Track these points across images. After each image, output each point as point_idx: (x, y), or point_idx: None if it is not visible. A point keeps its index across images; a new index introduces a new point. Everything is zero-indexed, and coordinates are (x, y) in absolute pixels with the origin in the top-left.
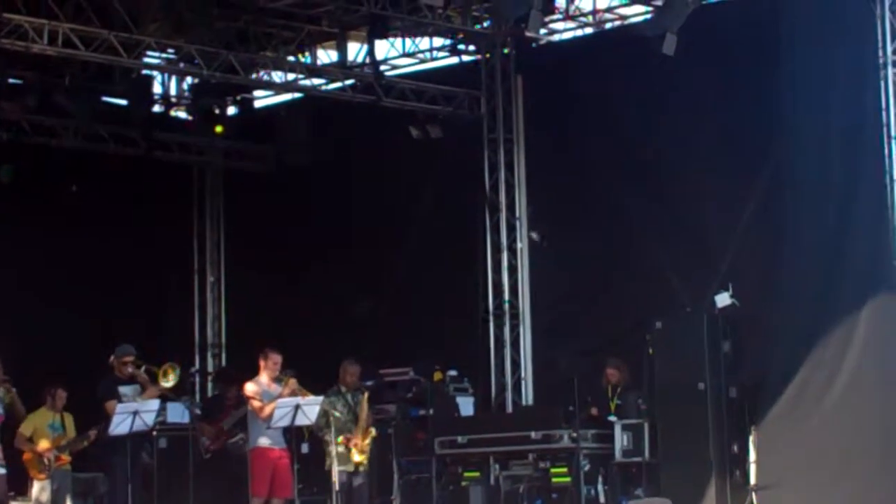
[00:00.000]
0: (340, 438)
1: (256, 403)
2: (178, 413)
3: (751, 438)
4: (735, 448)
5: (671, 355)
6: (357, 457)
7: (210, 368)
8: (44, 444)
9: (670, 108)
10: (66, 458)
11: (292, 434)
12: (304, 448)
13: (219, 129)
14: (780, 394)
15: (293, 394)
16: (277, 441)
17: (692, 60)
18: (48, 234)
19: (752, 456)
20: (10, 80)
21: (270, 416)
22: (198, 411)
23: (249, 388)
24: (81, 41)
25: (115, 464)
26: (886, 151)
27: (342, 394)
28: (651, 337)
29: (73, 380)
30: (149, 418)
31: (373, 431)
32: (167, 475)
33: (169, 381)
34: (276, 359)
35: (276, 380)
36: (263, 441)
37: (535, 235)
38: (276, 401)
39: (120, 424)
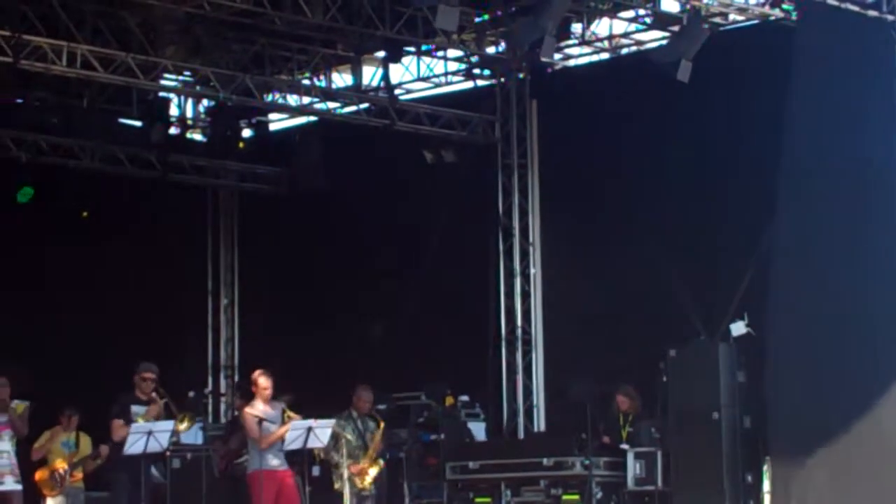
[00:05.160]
0: (347, 463)
1: (255, 434)
2: (191, 434)
3: (765, 468)
4: (749, 478)
5: (685, 384)
6: (359, 483)
7: (223, 390)
8: (58, 462)
9: (685, 135)
10: (79, 475)
11: (304, 456)
12: (315, 471)
13: (241, 143)
14: (796, 424)
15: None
16: (280, 462)
17: (707, 87)
18: (64, 254)
19: (766, 486)
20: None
21: (271, 444)
22: (201, 425)
23: (249, 416)
24: (100, 63)
25: (119, 481)
26: None
27: (354, 419)
28: (665, 365)
29: (87, 400)
30: (163, 439)
31: (381, 462)
32: (180, 496)
33: (182, 426)
34: (265, 384)
35: (274, 399)
36: (264, 463)
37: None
38: (289, 424)
39: (134, 444)
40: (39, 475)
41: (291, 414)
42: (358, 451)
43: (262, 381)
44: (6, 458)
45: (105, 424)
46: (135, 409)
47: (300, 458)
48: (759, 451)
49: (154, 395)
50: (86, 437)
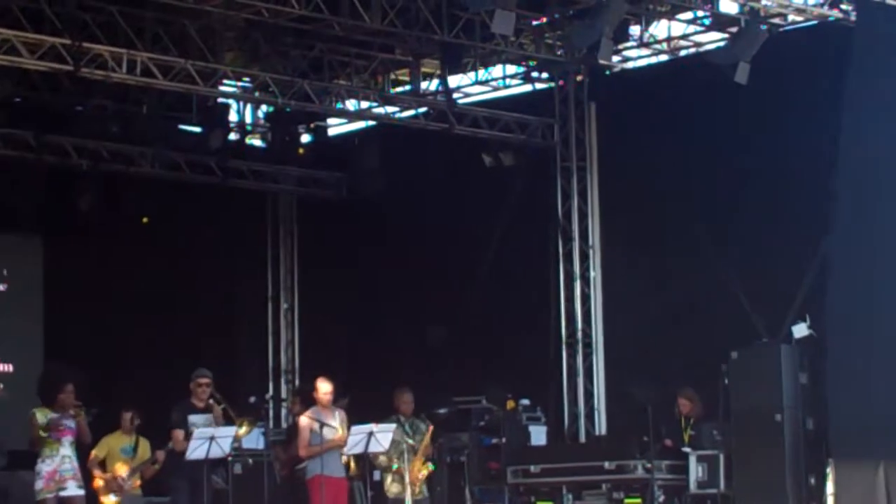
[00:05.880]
0: (396, 466)
1: (304, 444)
2: (253, 439)
3: (828, 471)
4: (812, 480)
5: (747, 386)
6: (410, 486)
7: (284, 395)
8: (119, 468)
9: (745, 137)
10: (137, 481)
11: (365, 461)
12: (377, 475)
13: (301, 150)
14: (859, 426)
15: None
16: (337, 470)
17: (766, 88)
18: (125, 260)
19: (830, 488)
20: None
21: (314, 454)
22: (263, 430)
23: (303, 422)
24: (159, 70)
25: (180, 488)
26: None
27: (401, 423)
28: (727, 367)
29: (148, 406)
30: (225, 444)
31: (430, 466)
32: (242, 501)
33: (242, 430)
34: (325, 389)
35: (333, 403)
36: (325, 469)
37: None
38: (338, 436)
39: (196, 450)
40: (98, 482)
41: (337, 436)
42: (409, 454)
43: (322, 385)
44: (69, 463)
45: (162, 429)
46: (192, 418)
47: (362, 463)
48: (822, 454)
49: (211, 401)
50: (145, 441)
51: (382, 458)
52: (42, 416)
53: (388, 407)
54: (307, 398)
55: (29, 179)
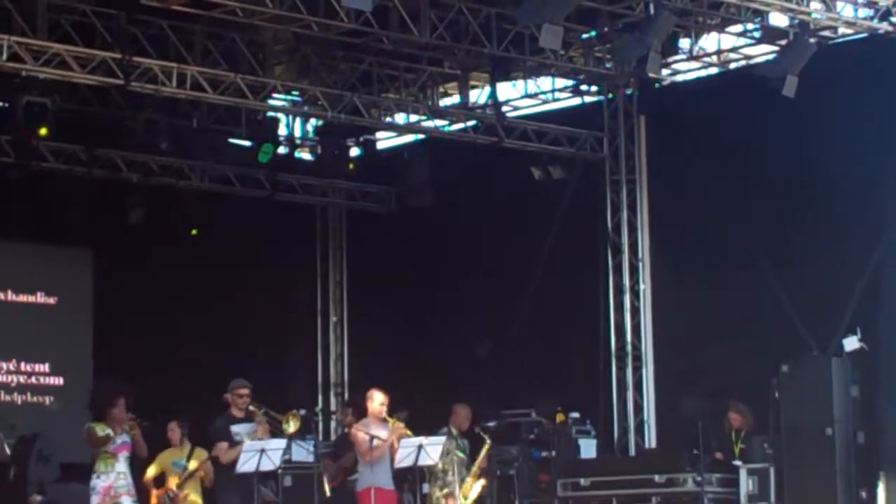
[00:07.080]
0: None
1: (364, 448)
2: (303, 451)
3: (879, 484)
4: (863, 494)
5: (798, 399)
6: (462, 500)
7: (333, 407)
8: (171, 482)
9: (794, 150)
10: (185, 493)
11: (415, 474)
12: (426, 488)
13: (351, 165)
14: None
15: (399, 438)
16: (386, 482)
17: (817, 100)
18: (174, 273)
19: (881, 502)
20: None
21: (377, 457)
22: (313, 443)
23: (358, 434)
24: (209, 84)
25: (228, 502)
26: None
27: (454, 437)
28: (777, 380)
29: (197, 420)
30: (275, 457)
31: (483, 482)
32: None
33: (290, 428)
34: (381, 399)
35: (384, 420)
36: (375, 481)
37: None
38: (394, 435)
39: (247, 463)
40: (154, 498)
41: (398, 425)
42: (460, 467)
43: (378, 396)
44: (123, 478)
45: (207, 443)
46: (235, 428)
47: (412, 476)
48: (873, 467)
49: (252, 408)
50: (201, 451)
51: (437, 494)
52: (101, 430)
53: (437, 420)
54: (359, 409)
55: (79, 193)
